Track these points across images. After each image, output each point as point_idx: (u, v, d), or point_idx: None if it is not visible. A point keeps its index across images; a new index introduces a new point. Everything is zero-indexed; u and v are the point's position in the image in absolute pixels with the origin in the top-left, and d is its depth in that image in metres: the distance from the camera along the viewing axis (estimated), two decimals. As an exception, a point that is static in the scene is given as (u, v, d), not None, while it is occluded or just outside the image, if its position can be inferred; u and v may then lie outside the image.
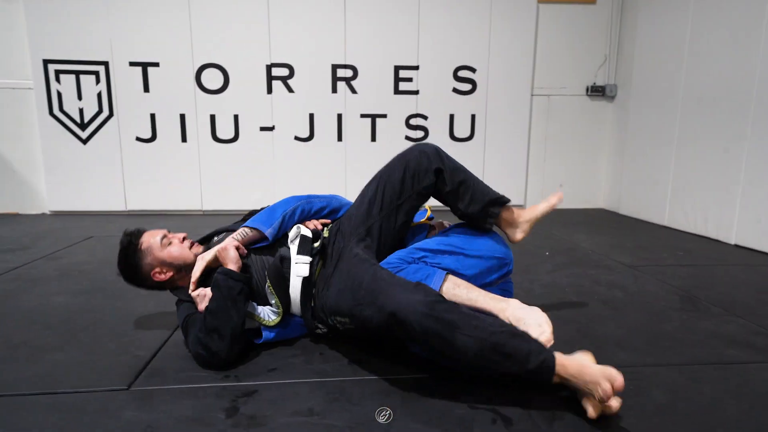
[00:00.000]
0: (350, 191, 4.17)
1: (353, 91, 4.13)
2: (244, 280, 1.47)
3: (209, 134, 4.08)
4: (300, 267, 1.51)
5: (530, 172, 4.42)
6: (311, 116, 4.13)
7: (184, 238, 1.63)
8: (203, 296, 1.48)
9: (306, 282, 1.50)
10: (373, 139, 4.22)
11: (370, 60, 4.09)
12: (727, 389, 1.31)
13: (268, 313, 1.53)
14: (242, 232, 1.59)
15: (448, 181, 1.54)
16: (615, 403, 1.11)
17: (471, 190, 1.55)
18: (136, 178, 4.06)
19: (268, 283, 1.51)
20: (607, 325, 1.74)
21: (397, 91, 4.17)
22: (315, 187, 4.15)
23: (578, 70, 4.38)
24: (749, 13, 2.93)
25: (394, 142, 4.22)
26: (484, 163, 4.29)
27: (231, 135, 4.10)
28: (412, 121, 4.23)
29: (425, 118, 4.23)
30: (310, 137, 4.17)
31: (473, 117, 4.26)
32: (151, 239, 1.58)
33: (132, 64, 3.91)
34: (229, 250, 1.51)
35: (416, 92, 4.18)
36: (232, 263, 1.49)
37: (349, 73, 4.10)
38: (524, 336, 1.22)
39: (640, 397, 1.25)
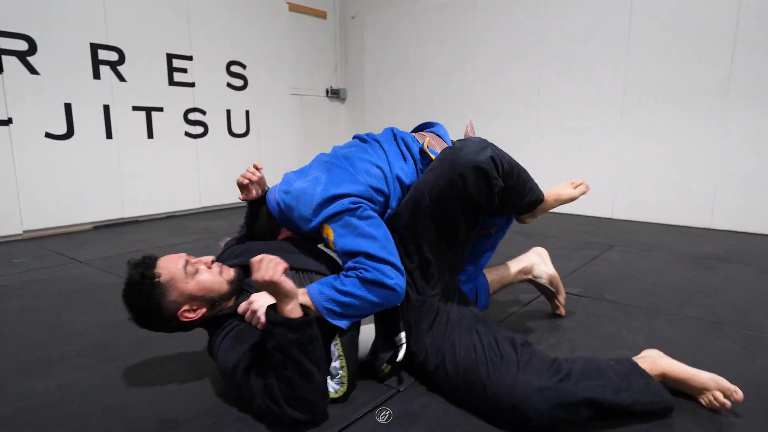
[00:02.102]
0: (128, 199, 3.53)
1: (121, 78, 3.44)
2: (308, 323, 1.07)
3: None
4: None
5: (297, 166, 4.82)
6: (68, 107, 3.20)
7: (212, 262, 1.25)
8: (255, 310, 1.14)
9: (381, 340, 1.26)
10: (150, 135, 3.65)
11: (139, 43, 3.51)
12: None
13: (330, 385, 1.18)
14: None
15: (499, 197, 1.30)
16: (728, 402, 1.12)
17: (512, 198, 1.36)
18: None
19: (337, 342, 1.19)
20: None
21: (172, 82, 3.74)
22: (81, 199, 3.34)
23: (320, 74, 5.05)
24: (465, 39, 4.35)
25: (173, 139, 3.79)
26: (260, 158, 4.39)
27: (-66, 131, 2.71)
28: (191, 116, 3.89)
29: (204, 112, 3.97)
30: (69, 134, 3.23)
31: (247, 113, 4.29)
32: (172, 268, 1.18)
33: None
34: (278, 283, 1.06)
35: (192, 84, 3.86)
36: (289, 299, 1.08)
37: (114, 56, 3.39)
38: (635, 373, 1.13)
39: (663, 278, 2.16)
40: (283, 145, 4.60)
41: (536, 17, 3.84)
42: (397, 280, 1.18)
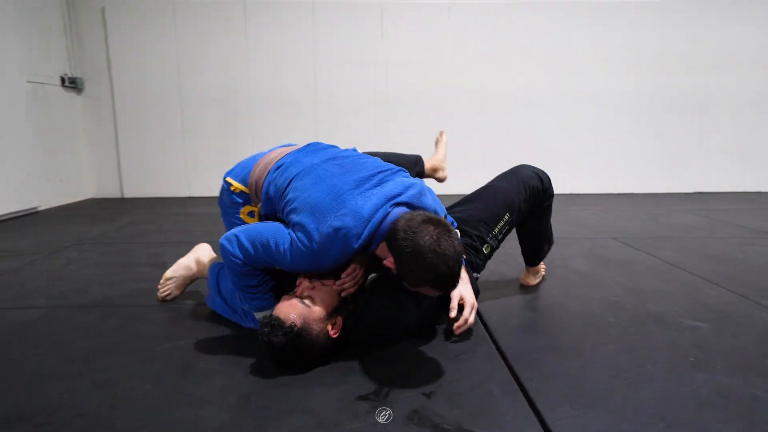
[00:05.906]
0: None
1: None
2: None
3: None
4: None
5: (34, 168, 3.90)
6: None
7: (311, 282, 1.35)
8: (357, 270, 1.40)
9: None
10: None
11: None
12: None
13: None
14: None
15: None
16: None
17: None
18: None
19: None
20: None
21: None
22: None
23: (56, 60, 4.18)
24: (231, 40, 4.50)
25: None
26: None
27: None
28: None
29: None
30: None
31: (-15, 103, 3.27)
32: (296, 311, 1.26)
33: None
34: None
35: None
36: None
37: None
38: None
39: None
40: (24, 142, 3.70)
41: (306, 24, 4.50)
42: None
